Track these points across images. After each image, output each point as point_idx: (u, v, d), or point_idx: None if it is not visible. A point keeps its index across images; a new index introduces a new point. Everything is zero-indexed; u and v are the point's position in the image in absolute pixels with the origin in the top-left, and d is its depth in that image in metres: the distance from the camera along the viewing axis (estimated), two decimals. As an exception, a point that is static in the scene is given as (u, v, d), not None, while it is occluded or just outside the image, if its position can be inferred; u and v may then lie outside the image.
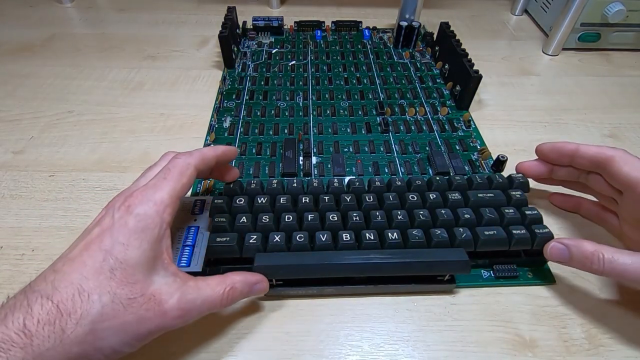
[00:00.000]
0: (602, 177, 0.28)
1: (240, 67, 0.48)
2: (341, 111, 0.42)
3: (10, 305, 0.18)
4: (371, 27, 0.55)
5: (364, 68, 0.48)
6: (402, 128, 0.40)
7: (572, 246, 0.25)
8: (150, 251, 0.20)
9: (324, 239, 0.26)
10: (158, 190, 0.22)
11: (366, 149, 0.38)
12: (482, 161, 0.37)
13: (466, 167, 0.36)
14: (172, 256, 0.22)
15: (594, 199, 0.31)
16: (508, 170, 0.34)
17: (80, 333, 0.18)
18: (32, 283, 0.19)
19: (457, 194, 0.29)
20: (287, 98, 0.43)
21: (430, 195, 0.29)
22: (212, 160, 0.26)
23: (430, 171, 0.36)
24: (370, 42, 0.53)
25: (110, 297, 0.19)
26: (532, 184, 0.32)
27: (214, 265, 0.27)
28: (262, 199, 0.29)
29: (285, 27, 0.54)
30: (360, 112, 0.42)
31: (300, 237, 0.26)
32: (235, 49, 0.48)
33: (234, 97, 0.43)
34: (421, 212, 0.28)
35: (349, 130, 0.40)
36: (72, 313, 0.18)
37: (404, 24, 0.49)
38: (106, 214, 0.21)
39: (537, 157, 0.32)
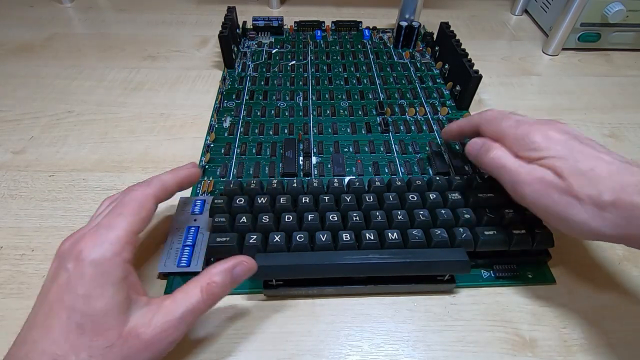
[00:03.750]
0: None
1: (240, 67, 0.48)
2: (341, 111, 0.42)
3: None
4: (371, 27, 0.55)
5: (364, 68, 0.48)
6: (402, 128, 0.40)
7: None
8: (116, 294, 0.19)
9: (324, 239, 0.26)
10: (112, 229, 0.20)
11: (366, 149, 0.38)
12: (482, 161, 0.37)
13: (466, 167, 0.36)
14: (141, 287, 0.21)
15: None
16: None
17: None
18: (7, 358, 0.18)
19: (457, 194, 0.29)
20: (287, 98, 0.43)
21: (430, 195, 0.29)
22: (173, 187, 0.25)
23: (430, 171, 0.36)
24: (370, 42, 0.53)
25: (87, 353, 0.18)
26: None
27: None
28: (262, 199, 0.29)
29: (285, 27, 0.54)
30: (360, 112, 0.42)
31: (300, 237, 0.26)
32: (235, 49, 0.48)
33: (234, 97, 0.43)
34: (421, 212, 0.28)
35: (349, 130, 0.40)
36: None
37: (404, 24, 0.49)
38: (59, 267, 0.20)
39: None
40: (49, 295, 0.19)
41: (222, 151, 0.37)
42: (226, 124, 0.40)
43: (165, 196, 0.24)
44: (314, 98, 0.43)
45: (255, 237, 0.26)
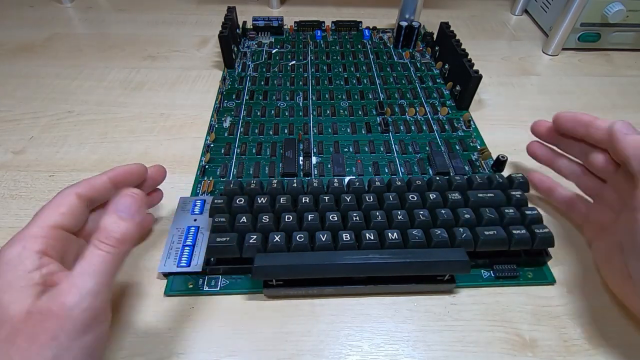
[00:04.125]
0: (608, 155, 0.27)
1: (240, 67, 0.48)
2: (341, 111, 0.42)
3: None
4: (371, 27, 0.55)
5: (364, 68, 0.48)
6: (402, 128, 0.40)
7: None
8: (25, 284, 0.18)
9: (324, 239, 0.26)
10: (25, 229, 0.20)
11: (366, 149, 0.38)
12: (482, 161, 0.37)
13: (466, 167, 0.36)
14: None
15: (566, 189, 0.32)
16: (508, 170, 0.34)
17: None
18: None
19: (457, 194, 0.29)
20: (287, 98, 0.43)
21: (430, 195, 0.29)
22: (105, 184, 0.24)
23: (430, 171, 0.36)
24: (370, 42, 0.53)
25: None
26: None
27: (214, 265, 0.27)
28: (262, 199, 0.29)
29: (285, 27, 0.54)
30: (360, 112, 0.42)
31: (300, 237, 0.26)
32: (235, 49, 0.48)
33: (234, 97, 0.43)
34: (421, 212, 0.28)
35: (349, 130, 0.40)
36: None
37: (404, 24, 0.49)
38: None
39: (551, 126, 0.31)
40: None
41: (222, 151, 0.37)
42: (226, 124, 0.40)
43: (95, 192, 0.24)
44: (314, 98, 0.43)
45: (255, 237, 0.26)
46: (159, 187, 0.30)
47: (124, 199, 0.21)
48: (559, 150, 0.32)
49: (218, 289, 0.27)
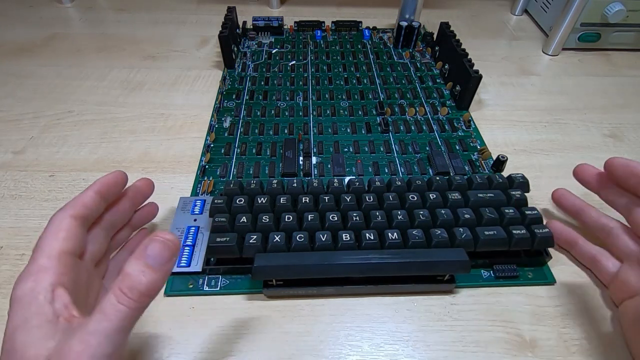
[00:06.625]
0: None
1: (240, 67, 0.48)
2: (341, 111, 0.42)
3: None
4: (371, 27, 0.55)
5: (364, 68, 0.48)
6: (402, 128, 0.40)
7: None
8: (38, 323, 0.18)
9: (324, 239, 0.26)
10: (32, 261, 0.20)
11: (366, 149, 0.38)
12: (482, 161, 0.37)
13: (466, 167, 0.36)
14: (72, 307, 0.19)
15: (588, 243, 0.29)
16: (508, 170, 0.34)
17: None
18: None
19: (457, 194, 0.29)
20: (287, 98, 0.43)
21: (430, 195, 0.29)
22: (93, 198, 0.23)
23: (430, 171, 0.36)
24: (370, 42, 0.53)
25: None
26: (532, 184, 0.32)
27: (214, 265, 0.27)
28: (262, 199, 0.29)
29: (285, 27, 0.54)
30: (360, 112, 0.42)
31: (300, 237, 0.26)
32: (235, 49, 0.48)
33: (234, 97, 0.43)
34: (421, 212, 0.28)
35: (349, 130, 0.40)
36: None
37: (404, 24, 0.49)
38: None
39: (598, 172, 0.29)
40: None
41: (222, 151, 0.37)
42: (226, 124, 0.40)
43: (88, 210, 0.22)
44: (314, 98, 0.43)
45: (255, 237, 0.26)
46: (153, 201, 0.29)
47: (155, 245, 0.18)
48: (586, 203, 0.30)
49: (218, 289, 0.27)
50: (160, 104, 0.43)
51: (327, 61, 0.49)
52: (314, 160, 0.36)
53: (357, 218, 0.28)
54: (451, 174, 0.35)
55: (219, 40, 0.44)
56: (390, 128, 0.40)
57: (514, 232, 0.27)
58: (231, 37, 0.46)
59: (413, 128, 0.40)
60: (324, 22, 0.55)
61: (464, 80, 0.41)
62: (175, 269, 0.27)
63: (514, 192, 0.30)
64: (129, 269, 0.18)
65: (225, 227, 0.27)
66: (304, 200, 0.29)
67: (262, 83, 0.45)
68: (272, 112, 0.41)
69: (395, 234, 0.27)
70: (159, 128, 0.40)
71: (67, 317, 0.18)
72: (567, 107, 0.44)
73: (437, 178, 0.31)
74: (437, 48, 0.49)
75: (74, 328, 0.18)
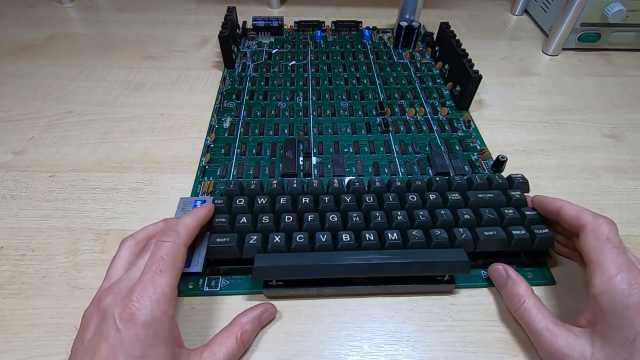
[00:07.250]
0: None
1: (240, 67, 0.48)
2: (341, 111, 0.42)
3: None
4: (371, 27, 0.55)
5: (364, 68, 0.48)
6: (402, 128, 0.40)
7: (511, 279, 0.26)
8: (165, 351, 0.20)
9: (324, 240, 0.26)
10: (158, 286, 0.20)
11: (366, 149, 0.38)
12: (482, 161, 0.37)
13: (466, 168, 0.36)
14: (181, 339, 0.22)
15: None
16: (508, 171, 0.34)
17: None
18: None
19: (457, 195, 0.30)
20: (287, 98, 0.43)
21: (430, 195, 0.29)
22: (197, 230, 0.25)
23: (430, 171, 0.36)
24: (370, 42, 0.53)
25: None
26: (532, 185, 0.32)
27: (214, 265, 0.27)
28: (262, 199, 0.29)
29: (285, 27, 0.54)
30: (360, 112, 0.42)
31: (300, 238, 0.27)
32: (235, 49, 0.48)
33: (234, 97, 0.43)
34: (421, 213, 0.28)
35: (349, 130, 0.40)
36: None
37: (404, 24, 0.49)
38: (105, 322, 0.19)
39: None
40: (99, 351, 0.19)
41: (222, 151, 0.37)
42: (226, 124, 0.40)
43: (192, 240, 0.25)
44: (314, 98, 0.43)
45: (255, 237, 0.26)
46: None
47: (268, 313, 0.26)
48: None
49: (218, 289, 0.27)
50: (161, 104, 0.43)
51: (327, 61, 0.49)
52: (314, 160, 0.36)
53: (357, 218, 0.28)
54: (451, 174, 0.35)
55: (219, 41, 0.44)
56: (390, 128, 0.40)
57: (514, 232, 0.27)
58: (231, 37, 0.46)
59: (413, 128, 0.40)
60: (324, 22, 0.55)
61: (463, 81, 0.41)
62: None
63: (513, 193, 0.30)
64: (248, 327, 0.24)
65: (226, 228, 0.27)
66: (304, 200, 0.29)
67: (262, 83, 0.45)
68: (272, 112, 0.41)
69: (395, 234, 0.27)
70: (159, 128, 0.40)
71: (179, 347, 0.22)
72: (567, 107, 0.44)
73: (437, 178, 0.31)
74: (437, 48, 0.49)
75: (185, 359, 0.22)
